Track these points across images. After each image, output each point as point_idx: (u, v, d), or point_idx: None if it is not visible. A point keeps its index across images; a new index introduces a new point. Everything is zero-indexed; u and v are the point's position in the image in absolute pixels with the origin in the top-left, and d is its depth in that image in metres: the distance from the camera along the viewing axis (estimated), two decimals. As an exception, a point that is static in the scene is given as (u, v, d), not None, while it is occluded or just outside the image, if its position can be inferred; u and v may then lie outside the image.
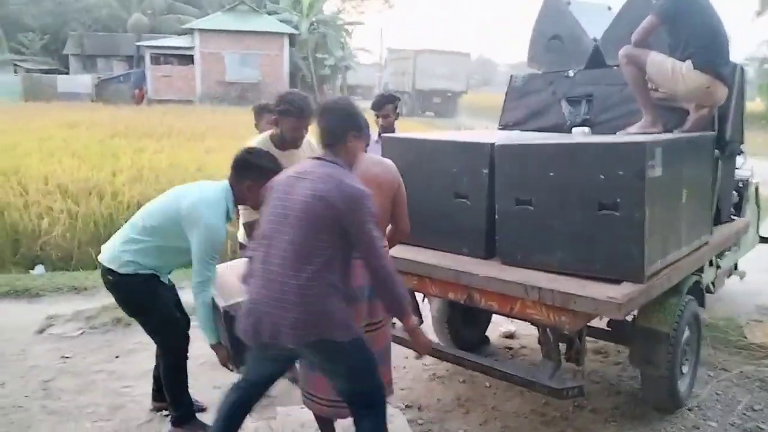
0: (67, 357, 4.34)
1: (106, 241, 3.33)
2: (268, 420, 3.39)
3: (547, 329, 3.18)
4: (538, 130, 4.46)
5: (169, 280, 3.34)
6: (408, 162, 3.45)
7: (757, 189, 5.34)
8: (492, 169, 3.30)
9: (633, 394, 3.80)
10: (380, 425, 2.61)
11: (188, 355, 3.32)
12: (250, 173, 3.07)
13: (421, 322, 2.95)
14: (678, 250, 3.29)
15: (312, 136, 3.81)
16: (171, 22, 36.45)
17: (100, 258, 3.20)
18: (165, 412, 3.46)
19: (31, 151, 10.44)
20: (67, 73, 35.30)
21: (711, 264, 4.25)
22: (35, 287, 5.78)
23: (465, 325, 4.38)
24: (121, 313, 3.51)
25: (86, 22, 37.60)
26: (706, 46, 3.66)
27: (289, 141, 3.65)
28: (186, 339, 3.30)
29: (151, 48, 32.28)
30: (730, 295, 5.57)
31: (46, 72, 34.92)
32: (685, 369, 3.58)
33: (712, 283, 4.37)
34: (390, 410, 2.82)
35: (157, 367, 3.45)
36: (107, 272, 3.13)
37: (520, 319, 3.44)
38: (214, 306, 3.03)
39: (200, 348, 3.31)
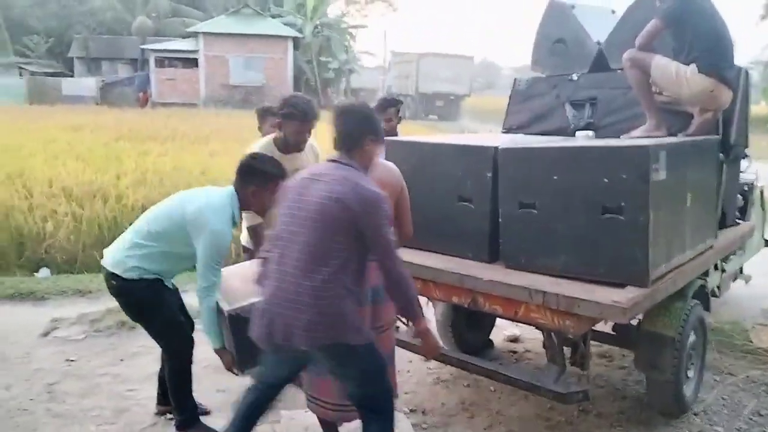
0: (71, 360, 4.34)
1: (110, 244, 3.33)
2: (273, 424, 3.38)
3: (552, 333, 3.17)
4: (542, 134, 4.46)
5: (172, 284, 3.35)
6: (411, 165, 3.45)
7: (762, 192, 5.32)
8: (495, 173, 3.30)
9: (638, 399, 3.78)
10: (388, 430, 2.60)
11: (193, 358, 3.32)
12: (255, 178, 3.09)
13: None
14: (683, 254, 3.27)
15: (314, 140, 3.84)
16: (175, 25, 36.58)
17: (103, 263, 3.20)
18: (169, 416, 3.46)
19: (36, 153, 10.49)
20: (71, 76, 35.44)
21: (716, 268, 4.24)
22: (40, 290, 5.79)
23: (469, 328, 4.37)
24: (125, 316, 3.52)
25: (91, 25, 37.75)
26: (711, 50, 3.65)
27: (293, 144, 3.66)
28: (191, 343, 3.30)
29: (155, 51, 32.39)
30: (736, 298, 5.55)
31: (51, 75, 35.08)
32: (690, 373, 3.56)
33: (718, 287, 4.35)
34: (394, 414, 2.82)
35: (162, 370, 3.45)
36: (111, 277, 3.13)
37: (524, 323, 3.43)
38: (219, 310, 3.04)
39: (204, 351, 3.32)
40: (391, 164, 3.09)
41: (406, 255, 3.33)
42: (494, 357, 4.47)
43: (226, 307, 3.00)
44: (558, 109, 4.54)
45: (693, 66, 3.61)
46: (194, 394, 3.37)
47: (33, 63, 37.33)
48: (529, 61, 5.02)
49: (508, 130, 4.81)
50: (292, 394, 3.58)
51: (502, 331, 4.77)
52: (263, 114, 4.53)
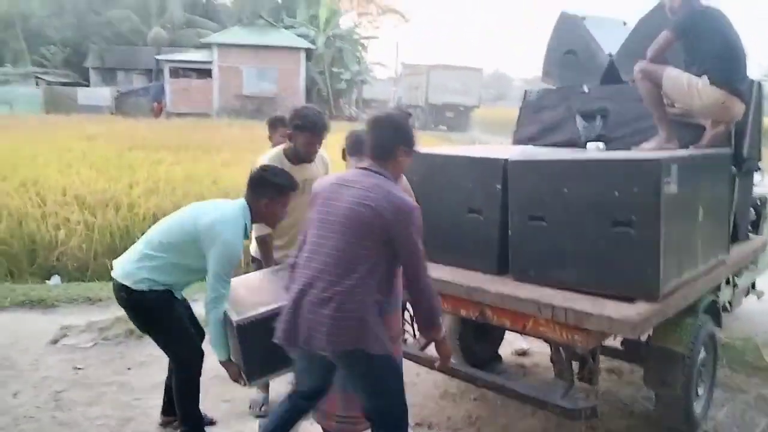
0: (79, 368, 4.35)
1: (122, 252, 3.34)
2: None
3: (560, 348, 3.14)
4: (553, 146, 4.43)
5: (181, 295, 3.35)
6: (421, 176, 3.45)
7: (775, 207, 5.26)
8: (505, 185, 3.28)
9: (647, 416, 3.73)
10: None
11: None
12: (267, 191, 3.11)
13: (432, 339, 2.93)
14: (694, 268, 3.24)
15: (324, 150, 3.84)
16: (190, 36, 36.93)
17: (113, 274, 3.20)
18: (174, 425, 3.45)
19: (50, 162, 10.58)
20: (87, 86, 35.85)
21: (728, 283, 4.18)
22: (50, 298, 5.83)
23: (477, 341, 4.33)
24: (134, 325, 3.53)
25: (107, 35, 38.17)
26: (723, 62, 3.62)
27: (303, 156, 3.67)
28: (201, 354, 3.29)
29: (170, 62, 32.69)
30: (748, 314, 5.48)
31: (67, 84, 35.48)
32: (700, 390, 3.51)
33: (729, 303, 4.30)
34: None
35: (169, 379, 3.45)
36: (121, 289, 3.13)
37: (532, 337, 3.40)
38: (227, 320, 3.03)
39: (210, 362, 3.31)
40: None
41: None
42: (502, 371, 4.43)
43: (234, 317, 2.99)
44: (569, 121, 4.51)
45: (705, 78, 3.58)
46: (200, 405, 3.36)
47: (50, 73, 37.79)
48: (541, 73, 5.01)
49: (518, 141, 4.79)
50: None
51: (511, 344, 4.73)
52: (274, 124, 4.54)
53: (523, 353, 4.74)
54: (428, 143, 13.89)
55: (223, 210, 3.10)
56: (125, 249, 3.34)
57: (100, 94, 33.28)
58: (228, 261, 3.01)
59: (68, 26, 39.14)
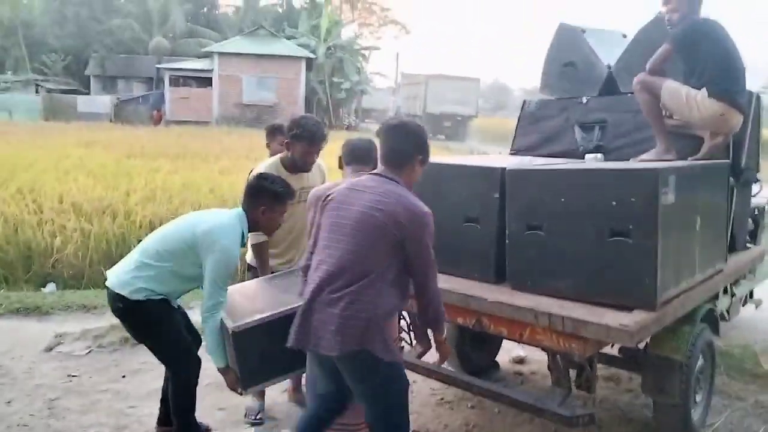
0: (73, 376, 4.33)
1: (117, 260, 3.33)
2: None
3: (557, 356, 3.13)
4: (551, 156, 4.44)
5: (177, 303, 3.34)
6: (418, 185, 3.43)
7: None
8: (503, 194, 3.28)
9: (645, 423, 3.72)
10: None
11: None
12: (264, 199, 3.12)
13: (430, 347, 2.93)
14: (691, 277, 3.23)
15: (321, 159, 3.85)
16: (191, 45, 37.07)
17: (108, 284, 3.18)
18: (169, 433, 3.43)
19: (48, 169, 10.57)
20: (87, 94, 35.91)
21: (726, 292, 4.18)
22: (45, 305, 5.80)
23: (474, 349, 4.32)
24: (129, 334, 3.52)
25: (109, 44, 38.25)
26: (722, 74, 3.63)
27: (300, 165, 3.68)
28: (197, 362, 3.27)
29: (170, 70, 32.80)
30: (746, 322, 5.48)
31: (67, 92, 35.54)
32: (698, 398, 3.49)
33: (727, 311, 4.28)
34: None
35: (166, 387, 3.42)
36: (117, 298, 3.11)
37: (530, 345, 3.39)
38: (223, 327, 3.02)
39: (206, 369, 3.29)
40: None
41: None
42: (499, 378, 4.42)
43: (230, 325, 2.98)
44: (567, 132, 4.52)
45: (703, 90, 3.59)
46: (195, 413, 3.33)
47: (50, 80, 37.86)
48: (539, 84, 5.01)
49: (516, 151, 4.79)
50: (294, 412, 3.56)
51: (508, 352, 4.72)
52: (272, 132, 4.54)
53: (520, 361, 4.73)
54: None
55: (221, 218, 3.11)
56: (121, 257, 3.33)
57: (99, 101, 33.34)
58: (225, 268, 3.01)
59: (70, 34, 39.23)
